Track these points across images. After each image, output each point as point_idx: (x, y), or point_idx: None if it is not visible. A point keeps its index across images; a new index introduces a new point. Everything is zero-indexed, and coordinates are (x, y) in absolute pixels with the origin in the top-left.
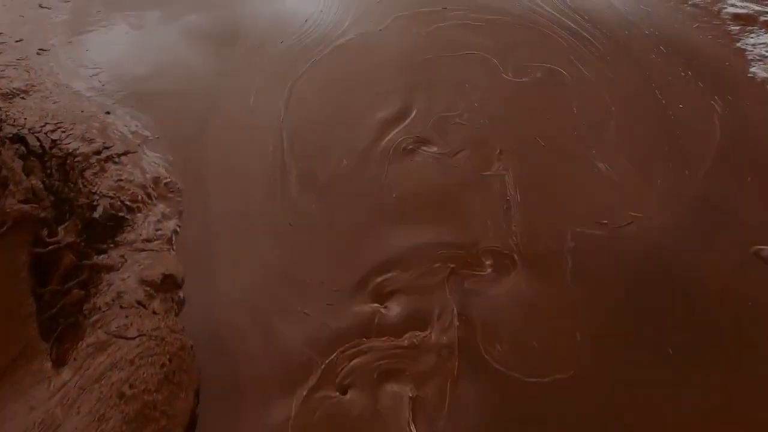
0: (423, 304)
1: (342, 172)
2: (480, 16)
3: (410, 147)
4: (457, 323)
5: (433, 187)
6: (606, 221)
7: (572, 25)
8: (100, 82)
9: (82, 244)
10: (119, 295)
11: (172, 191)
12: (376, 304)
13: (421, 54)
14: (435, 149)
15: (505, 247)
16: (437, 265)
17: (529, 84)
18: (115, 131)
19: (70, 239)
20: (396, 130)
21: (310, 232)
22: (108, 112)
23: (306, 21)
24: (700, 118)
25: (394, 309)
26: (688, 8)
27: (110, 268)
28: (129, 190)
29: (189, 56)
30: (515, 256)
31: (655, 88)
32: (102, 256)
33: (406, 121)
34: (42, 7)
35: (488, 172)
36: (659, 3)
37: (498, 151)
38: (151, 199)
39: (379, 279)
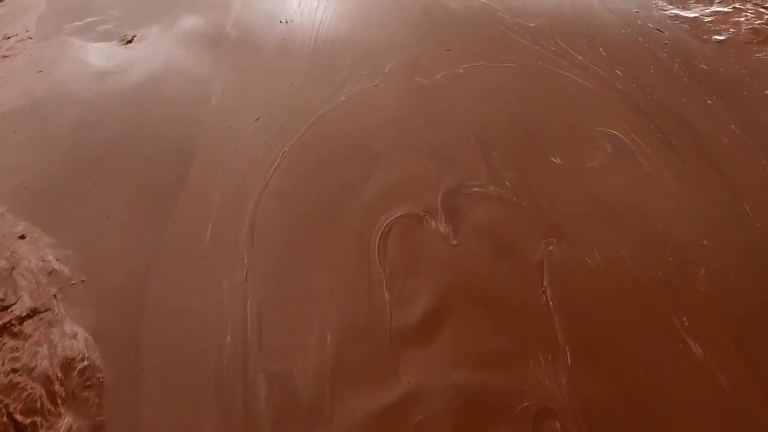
0: None
1: (330, 360)
2: (495, 57)
3: (417, 241)
4: None
5: (454, 302)
6: None
7: (617, 84)
8: (23, 183)
9: None
10: None
11: (89, 385)
12: None
13: (427, 112)
14: (448, 237)
15: None
16: None
17: (588, 161)
18: (25, 272)
19: None
20: (395, 217)
21: None
22: (23, 236)
23: (290, 84)
24: None
25: None
26: (753, 65)
27: None
28: (25, 389)
29: (142, 154)
30: None
31: (741, 198)
32: None
33: (410, 205)
34: None
35: (524, 286)
36: (718, 58)
37: (539, 258)
38: (56, 405)
39: None
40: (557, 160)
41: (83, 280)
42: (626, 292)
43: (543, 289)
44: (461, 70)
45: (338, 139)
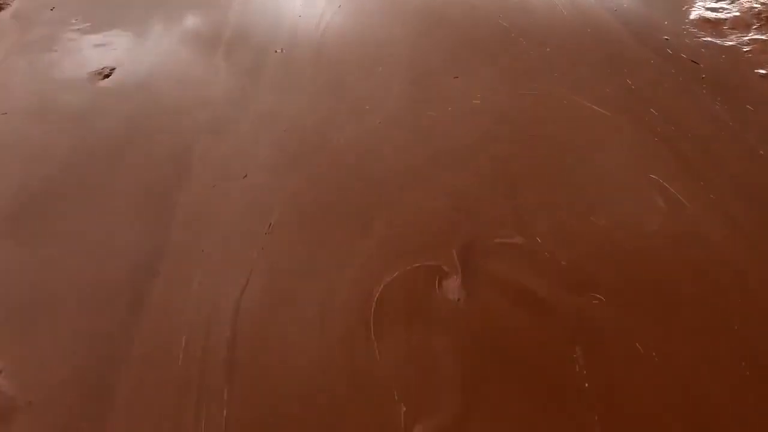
0: None
1: None
2: (512, 85)
3: (429, 307)
4: None
5: (478, 396)
6: None
7: (656, 126)
8: None
9: None
10: None
11: None
12: None
13: (439, 151)
14: (463, 299)
15: None
16: None
17: (638, 219)
18: None
19: None
20: (403, 275)
21: None
22: None
23: (285, 130)
24: None
25: None
26: None
27: None
28: None
29: (107, 242)
30: None
31: None
32: None
33: (421, 261)
34: None
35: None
36: (765, 97)
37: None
38: None
39: None
40: (600, 217)
41: (30, 402)
42: (691, 411)
43: (575, 355)
44: (477, 101)
45: (334, 198)
